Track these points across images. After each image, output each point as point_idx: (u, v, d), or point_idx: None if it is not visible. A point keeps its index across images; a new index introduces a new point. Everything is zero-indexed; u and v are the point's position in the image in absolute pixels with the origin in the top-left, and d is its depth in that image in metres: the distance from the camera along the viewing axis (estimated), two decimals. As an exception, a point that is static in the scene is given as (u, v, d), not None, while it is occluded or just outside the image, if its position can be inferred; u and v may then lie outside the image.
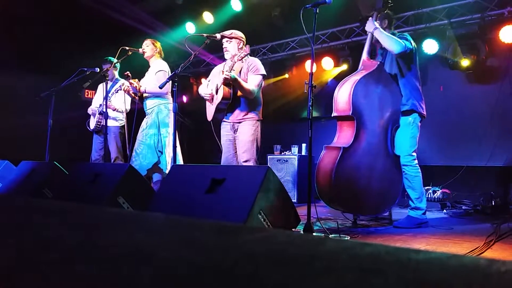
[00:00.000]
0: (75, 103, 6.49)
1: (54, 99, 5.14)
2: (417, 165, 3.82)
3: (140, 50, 4.63)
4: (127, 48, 4.50)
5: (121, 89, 4.87)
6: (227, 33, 3.99)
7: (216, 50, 7.84)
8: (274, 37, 7.20)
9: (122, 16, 7.10)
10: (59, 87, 5.10)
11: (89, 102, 5.66)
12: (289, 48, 7.22)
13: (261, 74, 3.88)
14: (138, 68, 4.87)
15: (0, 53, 6.27)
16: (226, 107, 3.88)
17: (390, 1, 3.97)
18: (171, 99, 4.53)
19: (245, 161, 3.83)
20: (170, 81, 3.87)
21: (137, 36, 5.20)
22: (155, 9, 7.36)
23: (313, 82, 3.32)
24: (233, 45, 3.98)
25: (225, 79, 3.69)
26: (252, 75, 3.86)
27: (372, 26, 3.84)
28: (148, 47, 4.65)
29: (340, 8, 5.72)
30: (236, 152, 3.99)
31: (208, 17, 7.28)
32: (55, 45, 6.54)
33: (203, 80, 7.88)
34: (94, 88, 5.78)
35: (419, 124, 3.86)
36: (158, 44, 4.75)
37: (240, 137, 3.89)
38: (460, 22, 5.61)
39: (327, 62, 6.77)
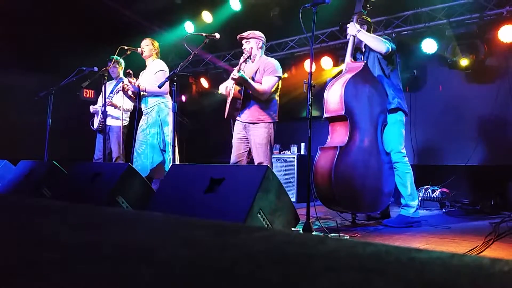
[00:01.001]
0: (74, 102, 6.48)
1: (53, 98, 5.13)
2: (407, 161, 3.85)
3: (139, 49, 4.61)
4: (126, 47, 4.49)
5: (118, 89, 4.87)
6: (244, 34, 4.03)
7: (215, 50, 7.86)
8: (273, 36, 7.19)
9: (121, 15, 7.10)
10: (58, 86, 5.09)
11: (88, 102, 5.67)
12: (288, 47, 7.22)
13: (276, 76, 3.88)
14: (137, 68, 4.86)
15: (-1, 52, 6.26)
16: (239, 106, 3.91)
17: (368, 5, 4.01)
18: (170, 98, 4.53)
19: (259, 163, 3.88)
20: (169, 81, 3.87)
21: (136, 35, 5.19)
22: (154, 8, 7.35)
23: (312, 81, 3.32)
24: (252, 45, 4.00)
25: (232, 79, 3.75)
26: (267, 76, 3.86)
27: (355, 28, 3.89)
28: (147, 47, 4.64)
29: (339, 8, 5.71)
30: (245, 151, 4.02)
31: (207, 17, 7.27)
32: (54, 44, 6.53)
33: (202, 79, 7.94)
34: (94, 87, 5.78)
35: (405, 121, 3.96)
36: (156, 44, 4.74)
37: (253, 140, 3.91)
38: (459, 21, 5.61)
39: (326, 61, 6.76)
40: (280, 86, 4.05)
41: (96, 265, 0.68)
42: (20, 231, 1.00)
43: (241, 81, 3.76)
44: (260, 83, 3.86)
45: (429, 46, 5.73)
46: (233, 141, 4.08)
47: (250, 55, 3.98)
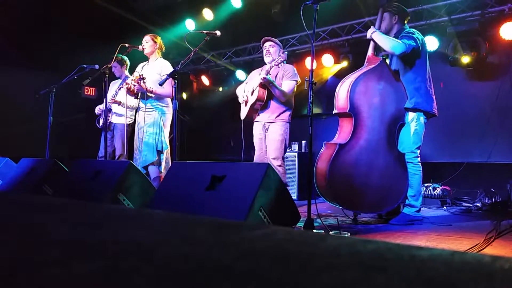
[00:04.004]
0: (75, 100, 6.49)
1: (54, 96, 5.13)
2: (419, 163, 3.79)
3: (140, 47, 4.59)
4: (126, 45, 4.48)
5: (122, 87, 4.86)
6: (271, 38, 4.39)
7: (216, 47, 7.85)
8: (274, 34, 7.15)
9: (122, 12, 7.09)
10: (59, 84, 5.09)
11: (88, 100, 5.67)
12: (289, 45, 7.21)
13: (295, 80, 4.18)
14: (137, 65, 4.86)
15: (0, 50, 6.26)
16: (258, 107, 4.22)
17: None
18: (170, 101, 4.54)
19: (273, 158, 4.16)
20: (171, 78, 3.87)
21: (137, 33, 5.18)
22: (155, 6, 7.35)
23: (313, 79, 3.31)
24: (275, 50, 4.35)
25: (261, 82, 4.04)
26: (287, 80, 4.17)
27: (371, 31, 3.82)
28: (147, 43, 4.62)
29: (340, 5, 5.71)
30: (267, 150, 4.29)
31: (208, 14, 7.26)
32: (55, 43, 6.53)
33: (203, 77, 7.92)
34: (97, 85, 5.77)
35: (425, 121, 3.81)
36: (159, 40, 4.70)
37: (270, 136, 4.21)
38: (461, 18, 5.60)
39: (327, 59, 6.76)
40: (295, 90, 4.30)
41: (96, 263, 0.68)
42: (21, 229, 1.00)
43: (266, 84, 4.03)
44: (280, 86, 4.15)
45: (430, 43, 5.71)
46: (254, 141, 4.37)
47: (285, 59, 4.28)
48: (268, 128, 4.24)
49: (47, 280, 0.60)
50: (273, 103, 4.22)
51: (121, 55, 5.04)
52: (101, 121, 5.41)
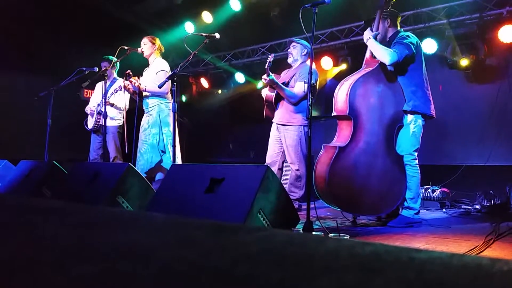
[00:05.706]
0: (74, 103, 6.48)
1: (53, 98, 5.13)
2: (417, 165, 3.79)
3: (139, 49, 4.60)
4: (126, 47, 4.48)
5: (120, 89, 4.86)
6: (296, 39, 4.40)
7: (215, 50, 7.86)
8: (273, 36, 7.20)
9: (121, 15, 7.10)
10: (58, 86, 5.09)
11: (88, 102, 5.66)
12: (288, 48, 7.21)
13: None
14: (137, 67, 4.86)
15: (-1, 52, 6.26)
16: (272, 107, 4.27)
17: None
18: (170, 98, 4.52)
19: (291, 163, 4.21)
20: (170, 81, 3.88)
21: (136, 36, 5.19)
22: (154, 9, 7.35)
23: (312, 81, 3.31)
24: (297, 50, 4.34)
25: (264, 80, 4.06)
26: (299, 82, 4.15)
27: (367, 35, 3.81)
28: (146, 45, 4.62)
29: (339, 8, 5.71)
30: (280, 152, 4.34)
31: (207, 17, 7.27)
32: (54, 45, 6.54)
33: (202, 79, 7.88)
34: (92, 87, 5.77)
35: (423, 123, 3.80)
36: (157, 41, 4.70)
37: (285, 141, 4.24)
38: (459, 21, 5.61)
39: (326, 61, 6.76)
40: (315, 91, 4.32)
41: (94, 266, 0.68)
42: (19, 231, 1.00)
43: (271, 84, 4.04)
44: (293, 87, 4.14)
45: (429, 46, 5.73)
46: (269, 142, 4.40)
47: (297, 59, 4.32)
48: (281, 131, 4.26)
49: (45, 283, 0.59)
50: (282, 104, 4.23)
51: (111, 56, 5.04)
52: (89, 123, 5.41)
